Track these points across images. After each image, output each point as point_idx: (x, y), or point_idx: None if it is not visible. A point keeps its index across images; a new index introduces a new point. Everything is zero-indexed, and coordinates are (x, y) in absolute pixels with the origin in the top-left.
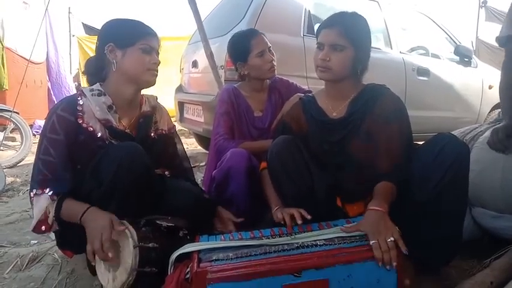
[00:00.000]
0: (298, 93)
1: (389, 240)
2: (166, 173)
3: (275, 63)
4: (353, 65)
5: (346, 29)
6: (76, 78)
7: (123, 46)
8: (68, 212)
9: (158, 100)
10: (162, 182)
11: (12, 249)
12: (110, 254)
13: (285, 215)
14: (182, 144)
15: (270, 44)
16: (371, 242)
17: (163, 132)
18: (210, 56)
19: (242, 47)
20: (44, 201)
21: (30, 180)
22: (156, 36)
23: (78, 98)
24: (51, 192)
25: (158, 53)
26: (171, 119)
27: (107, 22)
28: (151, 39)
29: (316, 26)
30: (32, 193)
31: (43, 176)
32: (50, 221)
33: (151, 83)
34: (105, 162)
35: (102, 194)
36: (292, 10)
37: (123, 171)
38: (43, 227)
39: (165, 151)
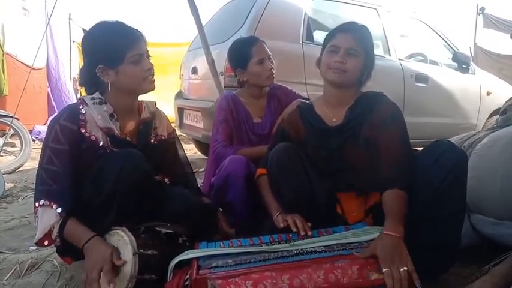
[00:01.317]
0: (300, 99)
1: (402, 269)
2: (166, 180)
3: (274, 72)
4: (362, 71)
5: (360, 37)
6: (76, 84)
7: (114, 65)
8: (71, 234)
9: (158, 107)
10: (161, 189)
11: (11, 256)
12: (111, 285)
13: (288, 219)
14: (183, 149)
15: (270, 52)
16: (383, 270)
17: (163, 138)
18: (211, 63)
19: (242, 53)
20: (51, 218)
21: (34, 189)
22: (141, 37)
23: (80, 107)
24: (60, 209)
25: (148, 53)
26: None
27: (88, 39)
28: (138, 46)
29: (315, 33)
30: (37, 203)
31: (48, 186)
32: (53, 236)
33: (151, 90)
34: (106, 168)
35: (103, 200)
36: (291, 17)
37: (124, 178)
38: (46, 242)
39: (165, 157)
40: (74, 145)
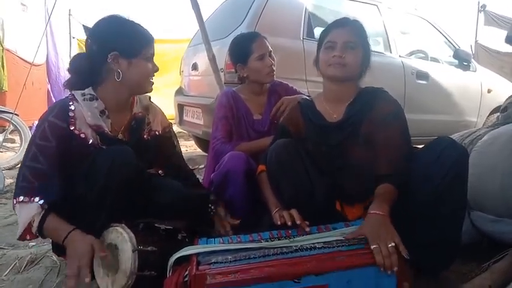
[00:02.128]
0: (300, 95)
1: (390, 245)
2: (160, 172)
3: (274, 68)
4: (362, 64)
5: (356, 30)
6: None
7: (129, 56)
8: (51, 230)
9: (158, 104)
10: (151, 181)
11: (11, 251)
12: (86, 279)
13: (285, 215)
14: (179, 145)
15: (270, 49)
16: (372, 247)
17: (157, 133)
18: (212, 59)
19: (243, 48)
20: (32, 210)
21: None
22: (153, 40)
23: (70, 103)
24: (42, 201)
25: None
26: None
27: (104, 25)
28: (151, 46)
29: (316, 30)
30: (15, 200)
31: (29, 183)
32: (33, 230)
33: (149, 91)
34: (96, 166)
35: (94, 198)
36: (291, 14)
37: (114, 174)
38: (28, 236)
39: (160, 152)
40: (62, 143)
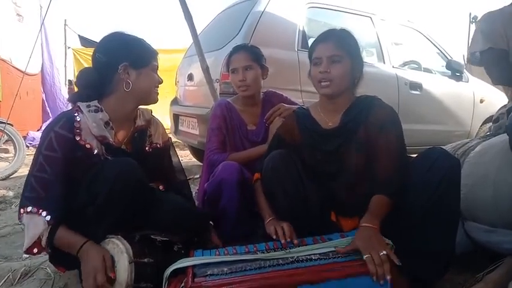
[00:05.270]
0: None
1: (381, 254)
2: (161, 187)
3: (249, 84)
4: (351, 74)
5: (340, 41)
6: (71, 90)
7: (138, 66)
8: (62, 242)
9: (153, 113)
10: (154, 196)
11: (4, 264)
12: None
13: (277, 228)
14: (178, 156)
15: (249, 63)
16: (364, 257)
17: (158, 146)
18: (206, 70)
19: (227, 60)
20: (39, 225)
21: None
22: (157, 54)
23: (75, 114)
24: (49, 217)
25: None
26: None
27: (112, 38)
28: (156, 59)
29: (310, 41)
30: (22, 210)
31: (36, 193)
32: (43, 244)
33: (155, 102)
34: (100, 177)
35: (97, 209)
36: (286, 25)
37: (118, 187)
38: (35, 249)
39: (159, 165)
40: (68, 153)
